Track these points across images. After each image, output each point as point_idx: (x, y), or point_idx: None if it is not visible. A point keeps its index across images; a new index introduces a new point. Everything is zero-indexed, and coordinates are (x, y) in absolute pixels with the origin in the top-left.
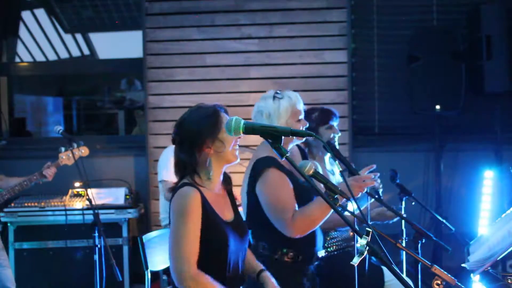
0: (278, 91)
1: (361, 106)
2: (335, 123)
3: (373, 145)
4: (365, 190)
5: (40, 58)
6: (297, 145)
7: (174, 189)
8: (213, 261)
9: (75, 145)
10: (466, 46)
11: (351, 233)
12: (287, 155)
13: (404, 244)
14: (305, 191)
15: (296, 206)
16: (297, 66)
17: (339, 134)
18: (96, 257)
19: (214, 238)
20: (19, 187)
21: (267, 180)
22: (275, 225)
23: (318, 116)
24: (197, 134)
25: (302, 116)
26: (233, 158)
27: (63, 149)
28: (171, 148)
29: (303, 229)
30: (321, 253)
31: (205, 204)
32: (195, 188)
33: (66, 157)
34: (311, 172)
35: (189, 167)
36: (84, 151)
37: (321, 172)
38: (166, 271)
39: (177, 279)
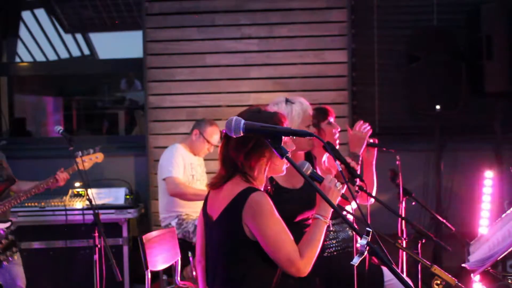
0: (288, 98)
1: (361, 106)
2: (332, 119)
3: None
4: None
5: (40, 58)
6: None
7: (240, 194)
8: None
9: (91, 150)
10: (466, 46)
11: (351, 233)
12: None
13: (404, 244)
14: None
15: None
16: (297, 66)
17: (339, 129)
18: (96, 257)
19: None
20: (35, 190)
21: None
22: None
23: (317, 114)
24: (261, 143)
25: (311, 123)
26: (283, 171)
27: (79, 153)
28: (173, 147)
29: None
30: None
31: None
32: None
33: (81, 162)
34: (309, 172)
35: (242, 168)
36: (99, 157)
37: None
38: (166, 271)
39: (294, 272)
